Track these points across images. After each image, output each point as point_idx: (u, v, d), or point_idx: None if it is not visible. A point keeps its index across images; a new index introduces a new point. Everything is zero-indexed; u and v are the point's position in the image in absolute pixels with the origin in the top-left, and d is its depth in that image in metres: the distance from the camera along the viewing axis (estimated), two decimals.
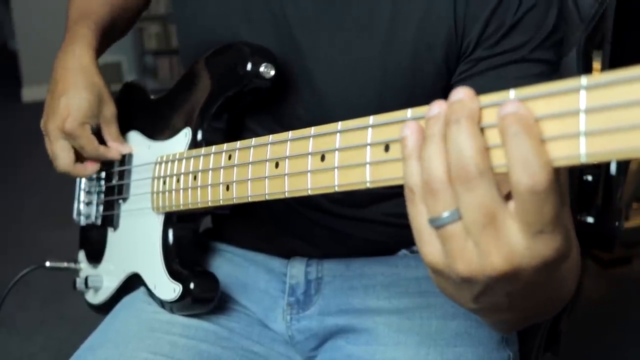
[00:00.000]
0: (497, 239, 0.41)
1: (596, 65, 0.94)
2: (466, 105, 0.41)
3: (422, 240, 0.44)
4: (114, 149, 0.91)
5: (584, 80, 0.36)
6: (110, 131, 0.91)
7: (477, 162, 0.40)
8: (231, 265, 0.93)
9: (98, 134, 0.92)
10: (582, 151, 0.36)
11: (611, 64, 0.96)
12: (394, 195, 0.83)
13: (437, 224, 0.42)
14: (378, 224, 0.85)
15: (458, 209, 0.41)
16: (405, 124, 0.44)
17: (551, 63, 0.73)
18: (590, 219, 0.98)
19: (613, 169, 0.99)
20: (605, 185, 0.98)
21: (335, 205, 0.84)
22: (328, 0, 0.76)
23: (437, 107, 0.43)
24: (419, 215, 0.44)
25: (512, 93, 0.40)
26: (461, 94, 0.42)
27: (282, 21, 0.78)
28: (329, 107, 0.78)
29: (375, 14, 0.74)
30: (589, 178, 0.97)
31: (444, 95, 0.44)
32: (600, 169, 0.98)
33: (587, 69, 0.90)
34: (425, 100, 0.47)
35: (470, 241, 0.42)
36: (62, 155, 0.89)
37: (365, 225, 0.86)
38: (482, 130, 0.41)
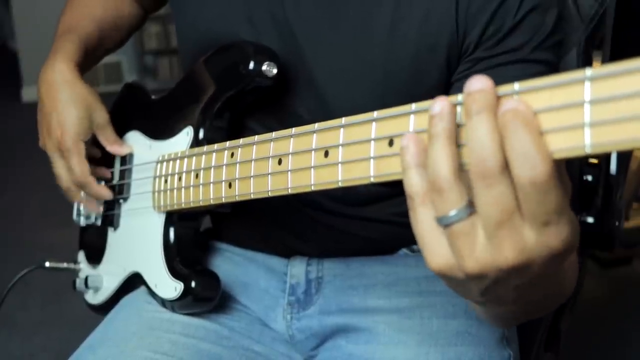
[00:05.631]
0: (511, 235, 0.40)
1: (596, 65, 0.94)
2: (489, 96, 0.40)
3: (427, 245, 0.44)
4: (102, 191, 0.90)
5: (588, 71, 0.36)
6: (106, 136, 0.91)
7: (499, 157, 0.39)
8: (231, 264, 0.93)
9: (96, 141, 0.92)
10: (587, 142, 0.36)
11: None
12: (395, 194, 0.83)
13: (444, 223, 0.42)
14: (378, 222, 0.85)
15: (467, 206, 0.41)
16: (403, 135, 0.44)
17: (550, 64, 0.73)
18: (590, 219, 0.97)
19: (613, 168, 0.99)
20: (605, 185, 0.98)
21: (336, 204, 0.84)
22: (329, 2, 0.76)
23: (439, 104, 0.42)
24: (421, 222, 0.44)
25: (516, 85, 0.40)
26: (482, 83, 0.40)
27: (283, 23, 0.78)
28: (331, 108, 0.78)
29: (377, 16, 0.74)
30: (589, 178, 0.97)
31: (445, 94, 0.44)
32: (600, 169, 0.98)
33: None
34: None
35: (481, 237, 0.41)
36: (64, 175, 0.90)
37: (366, 224, 0.86)
38: None
